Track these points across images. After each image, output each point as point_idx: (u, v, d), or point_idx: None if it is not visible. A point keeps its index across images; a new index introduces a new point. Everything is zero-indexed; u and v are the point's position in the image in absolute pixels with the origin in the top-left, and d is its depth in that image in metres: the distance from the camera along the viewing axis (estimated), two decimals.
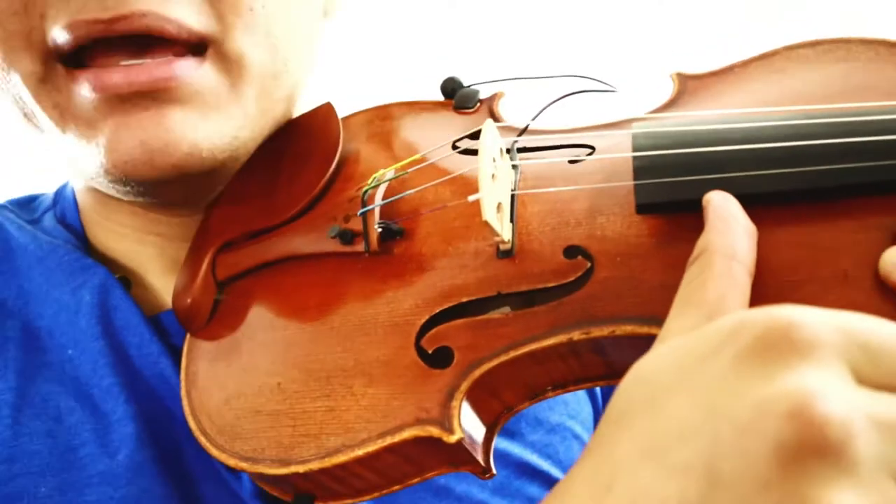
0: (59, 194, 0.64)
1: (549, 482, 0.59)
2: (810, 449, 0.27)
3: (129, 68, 0.48)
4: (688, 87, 0.51)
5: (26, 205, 0.64)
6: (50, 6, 0.47)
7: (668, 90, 0.52)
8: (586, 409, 0.65)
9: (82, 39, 0.48)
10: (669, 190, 0.42)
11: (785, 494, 0.27)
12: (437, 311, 0.46)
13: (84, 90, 0.49)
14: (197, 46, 0.50)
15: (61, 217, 0.62)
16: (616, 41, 1.55)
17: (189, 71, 0.49)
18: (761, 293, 0.38)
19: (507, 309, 0.45)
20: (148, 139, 0.49)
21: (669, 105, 0.50)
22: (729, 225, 0.38)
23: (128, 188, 0.52)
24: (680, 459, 0.30)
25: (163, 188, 0.52)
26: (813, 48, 0.49)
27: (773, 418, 0.28)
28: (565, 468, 0.60)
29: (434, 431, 0.43)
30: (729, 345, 0.31)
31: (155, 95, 0.49)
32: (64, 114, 0.50)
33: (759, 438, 0.28)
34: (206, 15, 0.50)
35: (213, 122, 0.51)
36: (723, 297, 0.36)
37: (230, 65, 0.51)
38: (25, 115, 0.52)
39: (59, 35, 0.48)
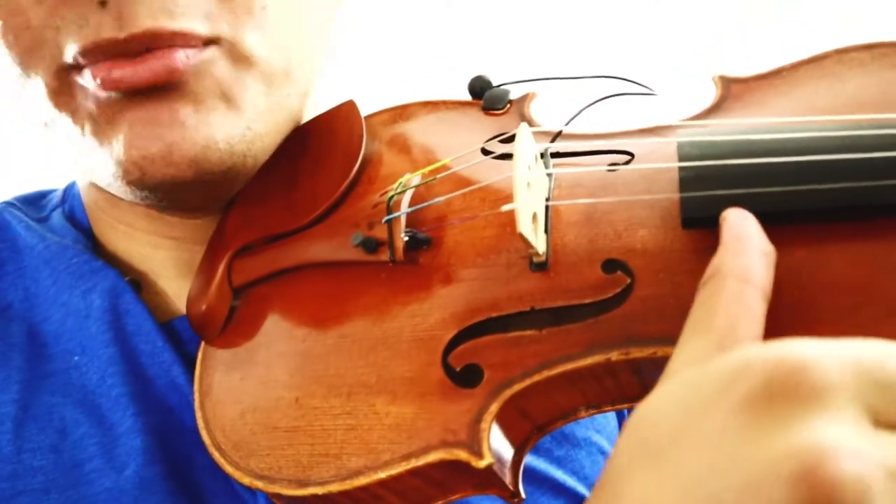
0: (69, 191, 0.62)
1: (574, 499, 0.57)
2: None
3: (135, 63, 0.46)
4: (732, 91, 0.48)
5: (35, 202, 0.62)
6: (66, 28, 0.46)
7: (709, 94, 0.49)
8: (612, 423, 0.63)
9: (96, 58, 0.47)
10: (719, 203, 0.39)
11: None
12: (466, 326, 0.43)
13: (92, 86, 0.47)
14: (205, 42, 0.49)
15: (70, 215, 0.60)
16: (613, 41, 1.52)
17: (192, 56, 0.47)
18: (816, 316, 0.36)
19: (540, 325, 0.42)
20: (164, 134, 0.47)
21: (713, 110, 0.47)
22: (744, 246, 0.35)
23: (146, 192, 0.50)
24: None
25: (182, 191, 0.50)
26: (869, 51, 0.46)
27: (779, 482, 0.25)
28: (591, 484, 0.58)
29: (462, 455, 0.40)
30: (732, 390, 0.28)
31: (164, 89, 0.47)
32: (81, 117, 0.48)
33: None
34: (215, 20, 0.48)
35: (223, 113, 0.49)
36: (734, 324, 0.33)
37: (236, 58, 0.49)
38: (46, 124, 0.50)
39: (74, 53, 0.47)
